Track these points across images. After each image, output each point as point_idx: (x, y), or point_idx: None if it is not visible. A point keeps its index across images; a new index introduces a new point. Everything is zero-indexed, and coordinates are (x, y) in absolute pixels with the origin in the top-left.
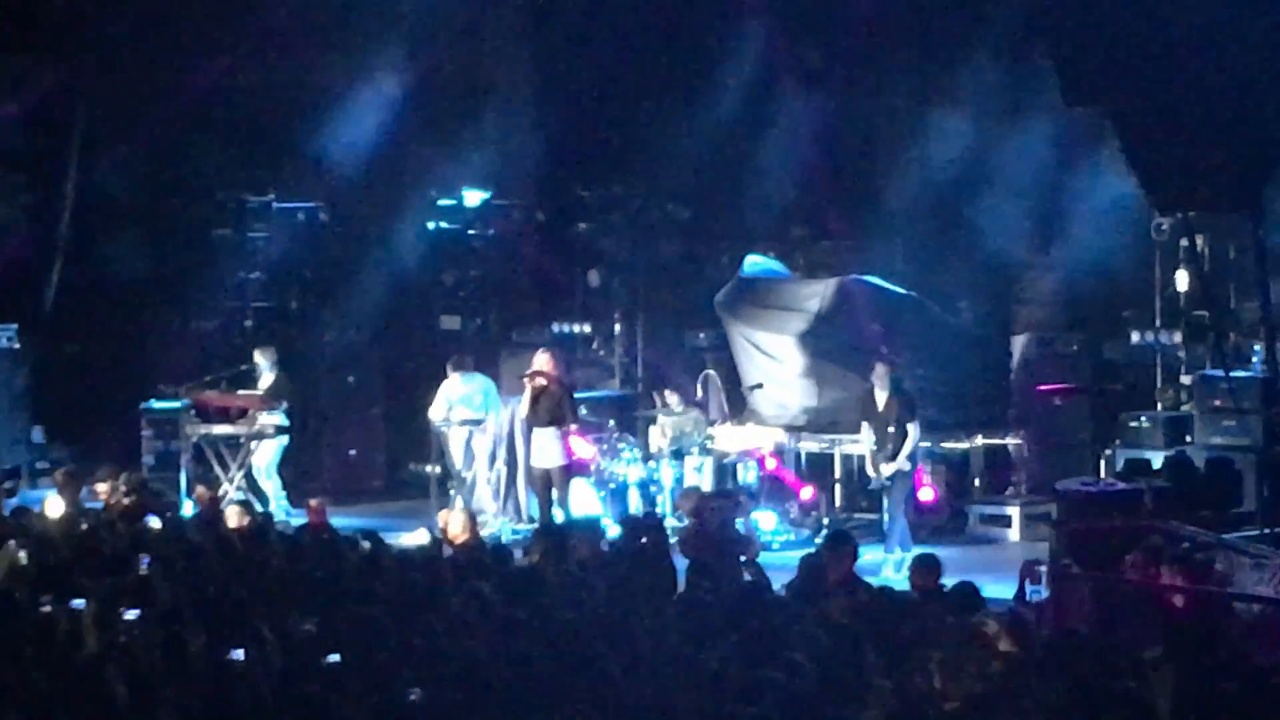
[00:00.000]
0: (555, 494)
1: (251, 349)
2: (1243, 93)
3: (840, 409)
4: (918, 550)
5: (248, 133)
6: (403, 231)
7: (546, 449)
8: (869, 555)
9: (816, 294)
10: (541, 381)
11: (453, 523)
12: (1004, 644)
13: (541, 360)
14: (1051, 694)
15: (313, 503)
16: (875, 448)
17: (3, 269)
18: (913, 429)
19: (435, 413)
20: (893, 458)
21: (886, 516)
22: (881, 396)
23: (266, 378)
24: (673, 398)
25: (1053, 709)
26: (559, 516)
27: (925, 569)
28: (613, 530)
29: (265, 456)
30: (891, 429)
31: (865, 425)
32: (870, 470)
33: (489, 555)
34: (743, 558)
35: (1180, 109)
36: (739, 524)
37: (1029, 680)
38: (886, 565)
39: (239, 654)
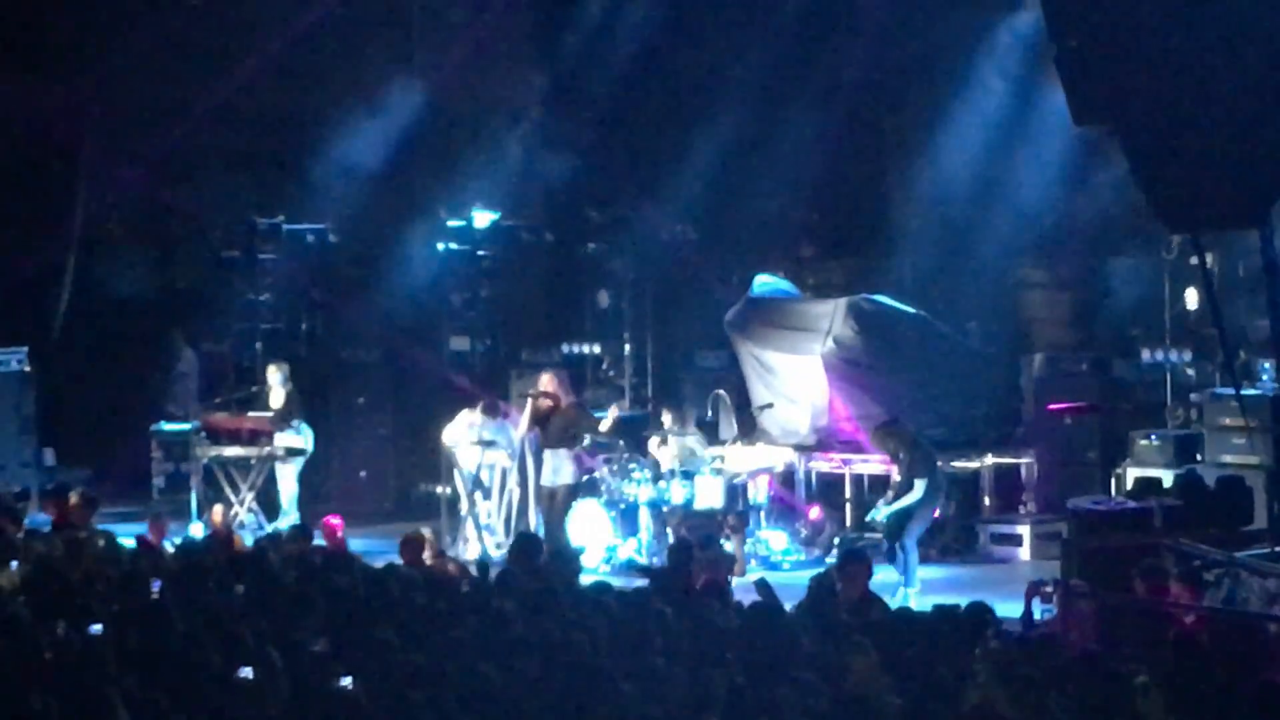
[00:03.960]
0: (555, 513)
1: (261, 371)
2: (1251, 109)
3: (854, 426)
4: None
5: (256, 154)
6: (412, 252)
7: (559, 469)
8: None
9: (826, 314)
10: (547, 402)
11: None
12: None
13: (545, 381)
14: (1064, 713)
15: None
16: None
17: (12, 292)
18: (919, 485)
19: (450, 436)
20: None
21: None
22: (897, 451)
23: (278, 394)
24: (667, 417)
25: None
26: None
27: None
28: (623, 551)
29: (289, 481)
30: (900, 479)
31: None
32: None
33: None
34: (731, 578)
35: (1188, 126)
36: (725, 544)
37: (1044, 699)
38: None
39: (248, 672)
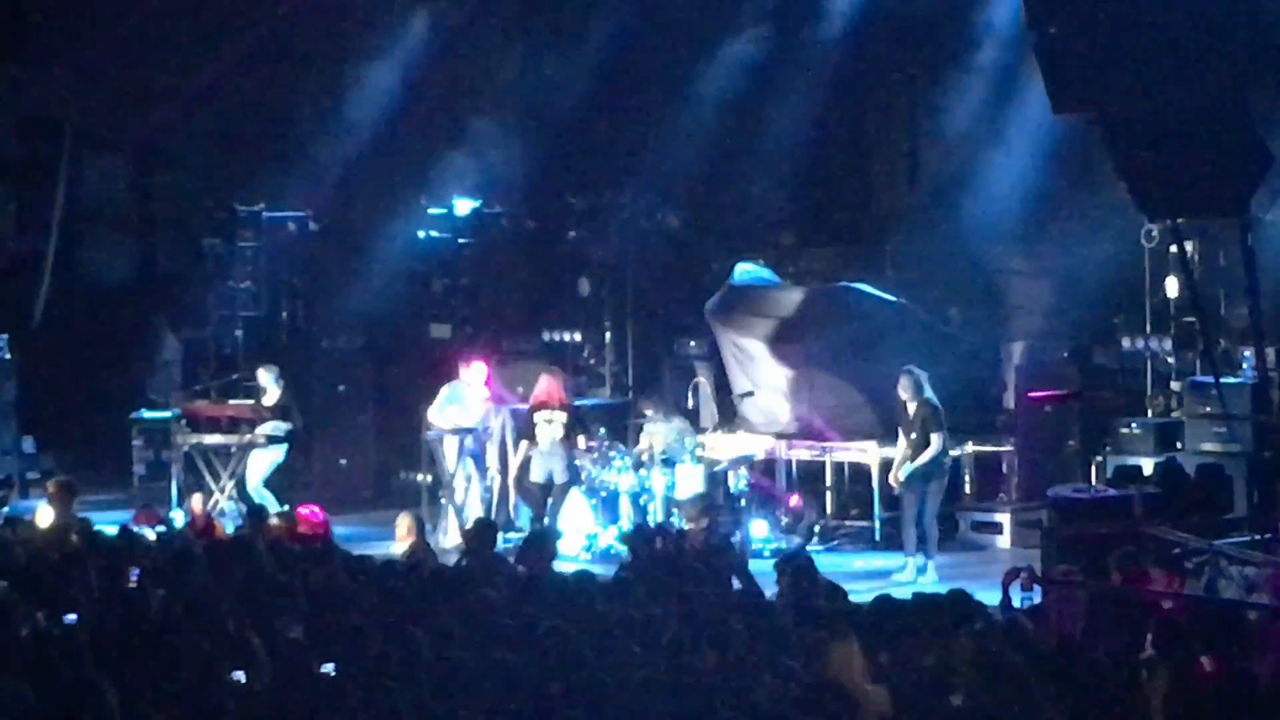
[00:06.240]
0: (550, 504)
1: (242, 358)
2: (1230, 98)
3: (831, 416)
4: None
5: (236, 141)
6: (392, 240)
7: (554, 466)
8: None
9: (807, 301)
10: (549, 410)
11: (399, 525)
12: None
13: (543, 386)
14: (1047, 701)
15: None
16: (902, 457)
17: None
18: (935, 439)
19: (434, 415)
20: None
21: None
22: (911, 406)
23: (272, 393)
24: (648, 408)
25: (1049, 715)
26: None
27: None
28: (604, 539)
29: (259, 468)
30: (914, 435)
31: (900, 435)
32: (890, 478)
33: (432, 560)
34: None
35: (1168, 115)
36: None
37: (1026, 687)
38: (906, 569)
39: (240, 675)
